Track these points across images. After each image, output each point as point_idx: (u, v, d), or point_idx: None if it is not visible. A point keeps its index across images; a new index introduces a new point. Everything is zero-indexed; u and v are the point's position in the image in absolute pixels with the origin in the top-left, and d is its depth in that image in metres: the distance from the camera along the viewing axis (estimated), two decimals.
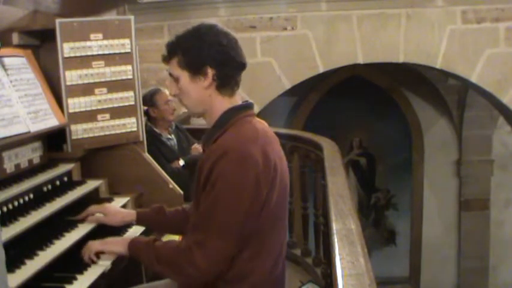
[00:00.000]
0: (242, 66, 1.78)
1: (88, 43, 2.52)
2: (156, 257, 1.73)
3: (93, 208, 2.19)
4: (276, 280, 1.81)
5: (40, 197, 2.14)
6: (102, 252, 1.91)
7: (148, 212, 2.12)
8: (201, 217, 1.67)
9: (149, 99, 3.62)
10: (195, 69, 1.73)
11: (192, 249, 1.64)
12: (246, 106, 1.80)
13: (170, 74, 1.79)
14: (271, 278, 1.78)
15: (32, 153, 2.28)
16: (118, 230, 2.27)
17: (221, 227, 1.63)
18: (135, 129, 2.68)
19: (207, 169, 1.65)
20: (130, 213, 2.14)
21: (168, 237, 2.65)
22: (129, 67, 2.63)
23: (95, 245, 1.90)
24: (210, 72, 1.72)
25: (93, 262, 1.89)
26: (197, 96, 1.76)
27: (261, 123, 1.81)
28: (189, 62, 1.73)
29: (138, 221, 2.13)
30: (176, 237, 2.58)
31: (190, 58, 1.72)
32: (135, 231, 2.31)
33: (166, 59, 1.78)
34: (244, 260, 1.69)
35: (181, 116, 4.87)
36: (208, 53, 1.71)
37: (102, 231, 2.18)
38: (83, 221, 2.16)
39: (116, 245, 1.87)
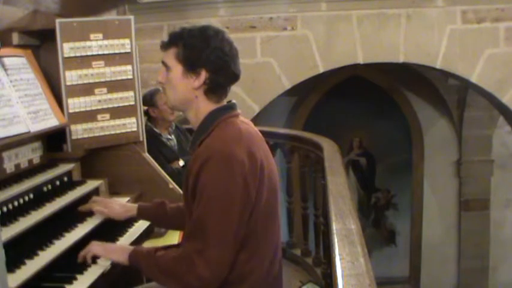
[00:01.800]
0: (235, 78, 1.79)
1: (88, 43, 2.52)
2: (158, 267, 1.72)
3: (96, 198, 2.22)
4: (274, 279, 1.81)
5: (40, 197, 2.14)
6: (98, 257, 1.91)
7: (150, 206, 2.13)
8: (196, 225, 1.66)
9: (149, 100, 3.62)
10: (190, 67, 1.73)
11: (192, 259, 1.63)
12: (229, 107, 1.80)
13: (163, 62, 1.79)
14: (269, 277, 1.78)
15: (32, 153, 2.28)
16: (119, 230, 2.27)
17: (217, 233, 1.63)
18: (135, 129, 2.68)
19: (194, 174, 1.65)
20: (132, 207, 2.15)
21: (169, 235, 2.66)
22: (129, 67, 2.63)
23: (96, 249, 1.89)
24: (204, 74, 1.72)
25: (88, 264, 1.88)
26: (183, 93, 1.76)
27: (245, 123, 1.81)
28: (186, 58, 1.73)
29: (139, 215, 2.14)
30: (177, 234, 2.59)
31: (189, 54, 1.72)
32: (137, 229, 2.31)
33: (165, 47, 1.78)
34: (242, 262, 1.69)
35: (181, 116, 4.87)
36: (208, 56, 1.71)
37: (103, 230, 2.19)
38: (83, 220, 2.16)
39: (117, 253, 1.86)
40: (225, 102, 1.80)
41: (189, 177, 1.70)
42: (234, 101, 1.83)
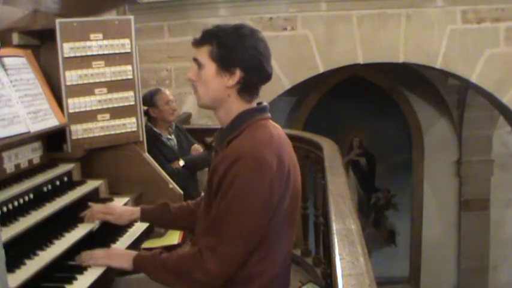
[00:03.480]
0: (268, 77, 1.77)
1: (88, 43, 2.52)
2: (164, 267, 1.71)
3: (96, 208, 2.17)
4: (282, 282, 1.81)
5: (40, 197, 2.14)
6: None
7: (153, 208, 2.12)
8: (213, 221, 1.65)
9: (149, 100, 3.62)
10: (225, 66, 1.70)
11: (203, 253, 1.63)
12: (262, 109, 1.78)
13: (195, 59, 1.75)
14: (277, 280, 1.77)
15: (32, 153, 2.28)
16: (119, 230, 2.26)
17: (233, 232, 1.62)
18: (135, 129, 2.68)
19: (220, 173, 1.63)
20: (135, 210, 2.13)
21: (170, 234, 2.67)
22: (129, 67, 2.63)
23: (100, 258, 1.86)
24: (238, 74, 1.70)
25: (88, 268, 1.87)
26: (215, 91, 1.73)
27: (276, 128, 1.79)
28: (221, 57, 1.70)
29: (143, 218, 2.12)
30: (177, 233, 2.60)
31: (224, 53, 1.69)
32: (137, 229, 2.31)
33: (198, 44, 1.74)
34: (253, 263, 1.69)
35: (181, 116, 4.87)
36: (243, 56, 1.69)
37: (103, 230, 2.18)
38: (83, 220, 2.15)
39: (121, 260, 1.84)
40: (255, 102, 1.78)
41: (214, 176, 1.67)
42: (265, 103, 1.81)
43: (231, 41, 1.70)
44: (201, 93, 1.76)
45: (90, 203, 2.27)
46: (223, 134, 1.76)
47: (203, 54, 1.72)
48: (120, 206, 2.27)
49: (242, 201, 1.61)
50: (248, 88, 1.74)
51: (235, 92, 1.73)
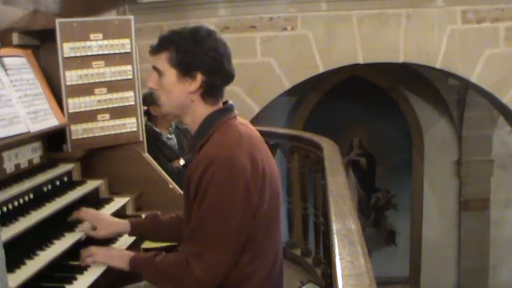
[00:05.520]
0: (231, 78, 1.75)
1: (88, 43, 2.52)
2: (157, 272, 1.71)
3: (85, 213, 2.06)
4: (275, 281, 1.81)
5: (40, 197, 2.14)
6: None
7: (143, 221, 2.08)
8: (194, 229, 1.65)
9: (150, 98, 3.62)
10: (185, 71, 1.69)
11: (189, 261, 1.62)
12: (227, 109, 1.76)
13: (155, 67, 1.73)
14: (270, 279, 1.77)
15: (32, 153, 2.29)
16: None
17: (216, 236, 1.62)
18: (135, 129, 2.68)
19: (195, 180, 1.63)
20: (124, 224, 2.06)
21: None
22: (129, 67, 2.64)
23: (98, 256, 1.86)
24: (200, 77, 1.68)
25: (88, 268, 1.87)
26: (179, 98, 1.72)
27: (244, 125, 1.78)
28: (180, 62, 1.68)
29: (132, 232, 2.06)
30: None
31: (183, 58, 1.68)
32: None
33: (155, 51, 1.72)
34: (244, 264, 1.69)
35: None
36: (203, 59, 1.67)
37: None
38: (83, 220, 2.13)
39: (118, 260, 1.84)
40: (221, 103, 1.77)
41: (190, 184, 1.67)
42: (230, 101, 1.80)
43: (189, 45, 1.68)
44: (165, 101, 1.75)
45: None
46: (194, 140, 1.75)
47: (162, 61, 1.71)
48: (109, 217, 2.12)
49: (220, 206, 1.61)
50: (211, 91, 1.72)
51: (199, 96, 1.71)
